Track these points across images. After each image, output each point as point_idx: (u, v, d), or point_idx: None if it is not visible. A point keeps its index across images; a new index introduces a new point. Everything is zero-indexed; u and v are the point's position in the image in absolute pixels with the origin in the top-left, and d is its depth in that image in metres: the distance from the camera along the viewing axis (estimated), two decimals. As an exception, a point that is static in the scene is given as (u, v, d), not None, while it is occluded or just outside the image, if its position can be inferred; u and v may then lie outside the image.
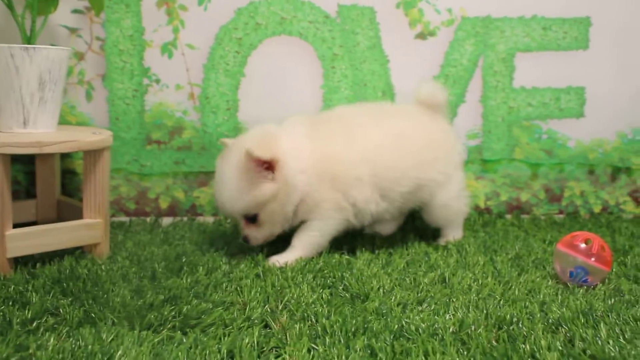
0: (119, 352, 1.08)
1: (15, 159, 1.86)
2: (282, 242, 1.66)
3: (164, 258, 1.58)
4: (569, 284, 1.46)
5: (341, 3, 1.98)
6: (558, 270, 1.50)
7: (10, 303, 1.28)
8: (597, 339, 1.15)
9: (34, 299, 1.29)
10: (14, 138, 1.46)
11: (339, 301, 1.33)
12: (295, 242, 1.64)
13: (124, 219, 1.97)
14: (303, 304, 1.30)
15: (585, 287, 1.44)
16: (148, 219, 1.96)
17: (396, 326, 1.19)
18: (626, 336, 1.17)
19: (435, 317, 1.24)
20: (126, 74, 1.93)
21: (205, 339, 1.14)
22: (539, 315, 1.26)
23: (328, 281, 1.45)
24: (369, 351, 1.11)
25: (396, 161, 1.66)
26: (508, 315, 1.24)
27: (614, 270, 1.56)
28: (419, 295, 1.37)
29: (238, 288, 1.40)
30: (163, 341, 1.14)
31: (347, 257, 1.63)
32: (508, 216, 2.12)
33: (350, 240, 1.76)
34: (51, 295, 1.32)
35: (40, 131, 1.58)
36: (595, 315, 1.26)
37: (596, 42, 2.09)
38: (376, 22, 2.00)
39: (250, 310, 1.27)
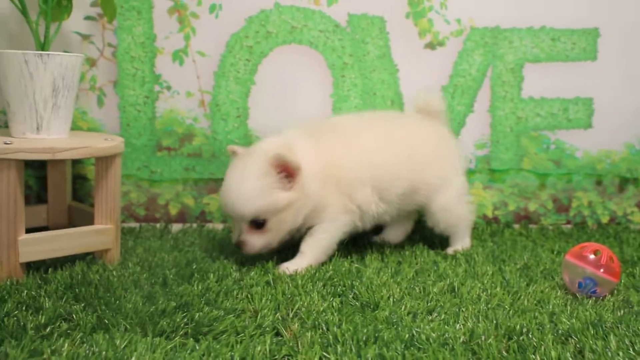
0: (133, 359, 1.09)
1: (27, 164, 1.87)
2: (292, 247, 1.67)
3: (174, 264, 1.58)
4: (577, 294, 1.47)
5: (351, 12, 1.99)
6: (567, 281, 1.51)
7: (24, 308, 1.28)
8: (607, 350, 1.16)
9: (47, 304, 1.29)
10: (27, 144, 1.47)
11: (349, 310, 1.34)
12: (304, 247, 1.65)
13: (134, 224, 1.98)
14: (314, 312, 1.31)
15: (594, 298, 1.44)
16: (158, 225, 1.97)
17: (407, 335, 1.20)
18: (636, 348, 1.18)
19: (446, 326, 1.25)
20: (137, 80, 1.94)
21: (217, 346, 1.15)
22: (548, 326, 1.26)
23: (338, 289, 1.46)
24: (380, 360, 1.12)
25: (390, 164, 1.69)
26: (518, 326, 1.25)
27: (622, 281, 1.57)
28: (428, 304, 1.38)
29: (249, 295, 1.40)
30: (176, 348, 1.15)
31: (356, 265, 1.64)
32: (516, 226, 2.13)
33: (360, 248, 1.77)
34: (64, 300, 1.33)
35: (52, 137, 1.59)
36: (605, 326, 1.26)
37: (605, 53, 2.10)
38: (386, 31, 2.02)
39: (261, 318, 1.27)
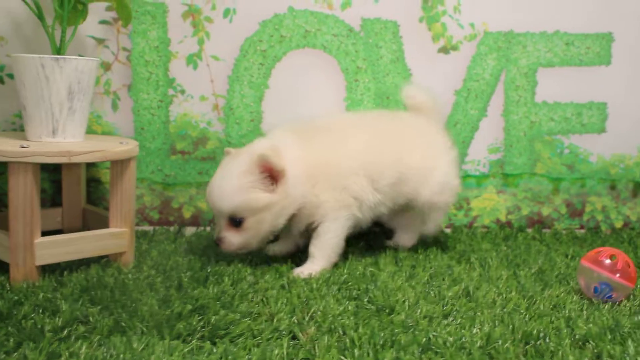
0: (151, 361, 1.09)
1: (42, 167, 1.87)
2: (305, 250, 1.67)
3: (189, 268, 1.59)
4: (593, 299, 1.47)
5: (365, 17, 1.99)
6: (582, 286, 1.51)
7: (40, 311, 1.29)
8: (626, 355, 1.16)
9: (63, 307, 1.30)
10: (43, 147, 1.48)
11: (365, 313, 1.33)
12: (312, 250, 1.65)
13: (147, 228, 1.98)
14: (330, 315, 1.31)
15: (610, 303, 1.44)
16: (171, 229, 1.97)
17: (424, 339, 1.19)
18: (654, 353, 1.18)
19: (462, 330, 1.25)
20: (152, 84, 1.94)
21: (234, 349, 1.15)
22: (565, 331, 1.26)
23: (353, 293, 1.46)
24: (398, 364, 1.12)
25: (378, 153, 1.69)
26: (535, 331, 1.24)
27: (638, 286, 1.56)
28: (444, 308, 1.38)
29: (264, 299, 1.41)
30: (193, 351, 1.15)
31: (371, 269, 1.63)
32: (529, 230, 2.13)
33: (373, 252, 1.77)
34: (80, 303, 1.33)
35: (68, 140, 1.60)
36: (622, 331, 1.26)
37: (618, 57, 2.10)
38: (399, 35, 2.02)
39: (277, 321, 1.27)
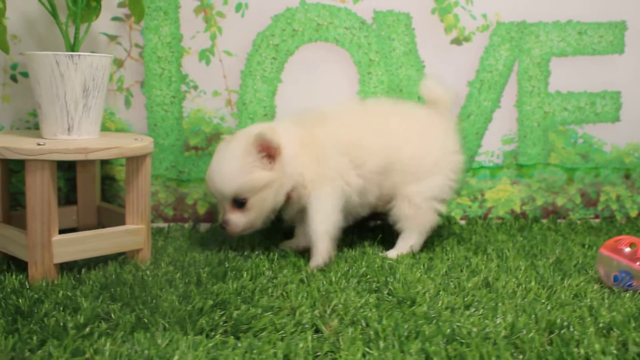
0: (176, 357, 1.09)
1: (57, 165, 1.87)
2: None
3: (206, 264, 1.58)
4: (614, 288, 1.46)
5: (377, 9, 1.99)
6: (602, 275, 1.50)
7: (61, 308, 1.29)
8: (652, 343, 1.15)
9: (84, 304, 1.29)
10: (60, 145, 1.48)
11: (386, 305, 1.33)
12: (313, 238, 1.64)
13: (162, 224, 1.98)
14: (351, 308, 1.30)
15: (631, 292, 1.43)
16: (186, 225, 1.97)
17: (448, 330, 1.19)
18: (679, 340, 1.17)
19: (486, 321, 1.24)
20: (164, 80, 1.94)
21: (259, 343, 1.15)
22: (589, 319, 1.25)
23: (373, 286, 1.45)
24: (423, 355, 1.11)
25: (366, 139, 1.70)
26: (558, 320, 1.24)
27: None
28: (465, 299, 1.37)
29: (284, 293, 1.40)
30: (217, 346, 1.15)
31: (389, 261, 1.63)
32: (544, 221, 2.12)
33: (390, 245, 1.76)
34: (100, 300, 1.33)
35: (83, 138, 1.60)
36: (646, 319, 1.26)
37: (632, 46, 2.09)
38: (412, 27, 2.01)
39: (299, 315, 1.27)
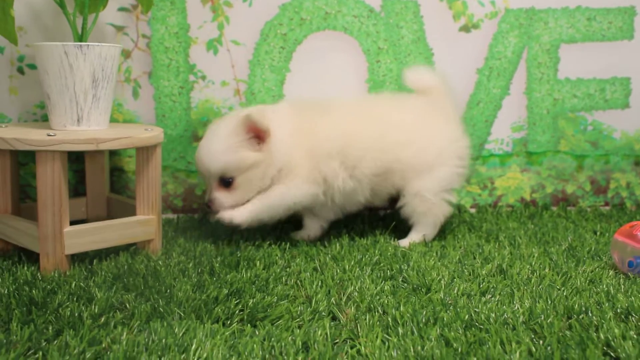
0: (194, 346, 1.08)
1: (66, 156, 1.87)
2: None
3: (218, 253, 1.58)
4: (629, 274, 1.45)
5: (385, -3, 1.98)
6: (616, 260, 1.49)
7: (75, 299, 1.28)
8: (672, 326, 1.15)
9: (98, 295, 1.29)
10: (70, 135, 1.47)
11: (402, 292, 1.33)
12: (253, 199, 1.64)
13: (171, 216, 1.97)
14: (367, 295, 1.30)
15: (647, 277, 1.43)
16: (196, 216, 1.96)
17: (466, 316, 1.19)
18: (699, 324, 1.16)
19: (503, 307, 1.24)
20: (172, 71, 1.93)
21: (277, 331, 1.14)
22: (606, 305, 1.25)
23: (387, 273, 1.45)
24: (443, 341, 1.10)
25: (359, 142, 1.67)
26: (576, 305, 1.23)
27: (673, 259, 1.55)
28: (480, 286, 1.37)
29: (298, 282, 1.40)
30: (234, 334, 1.14)
31: (401, 249, 1.62)
32: (554, 208, 2.11)
33: (402, 234, 1.75)
34: (114, 290, 1.32)
35: (93, 128, 1.59)
36: (664, 303, 1.25)
37: (641, 32, 2.09)
38: (420, 15, 2.00)
39: (315, 303, 1.27)
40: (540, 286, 1.37)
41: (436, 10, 2.01)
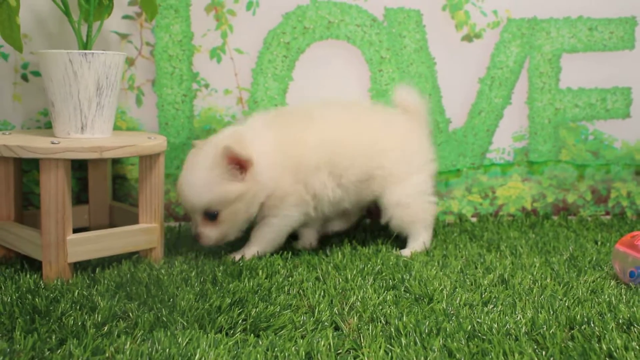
0: (197, 355, 1.08)
1: (69, 164, 1.87)
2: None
3: (221, 262, 1.58)
4: (630, 284, 1.46)
5: (388, 6, 1.98)
6: (617, 270, 1.50)
7: (78, 307, 1.28)
8: (674, 338, 1.15)
9: (101, 303, 1.29)
10: (74, 143, 1.47)
11: (405, 302, 1.33)
12: (252, 238, 1.67)
13: (173, 224, 1.97)
14: (370, 305, 1.30)
15: (648, 287, 1.43)
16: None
17: (469, 327, 1.19)
18: (701, 335, 1.17)
19: (505, 317, 1.24)
20: (175, 79, 1.94)
21: (280, 341, 1.15)
22: (608, 315, 1.25)
23: (389, 283, 1.45)
24: (446, 352, 1.11)
25: (346, 149, 1.67)
26: (578, 316, 1.24)
27: (674, 270, 1.55)
28: (482, 296, 1.37)
29: (301, 291, 1.40)
30: (238, 344, 1.14)
31: (403, 259, 1.63)
32: (555, 218, 2.11)
33: (403, 243, 1.76)
34: (117, 299, 1.33)
35: (96, 136, 1.59)
36: (666, 314, 1.25)
37: (642, 42, 2.09)
38: (423, 24, 2.01)
39: (318, 313, 1.27)
40: (542, 296, 1.37)
41: (439, 20, 2.01)
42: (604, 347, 1.11)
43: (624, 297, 1.37)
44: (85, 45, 1.63)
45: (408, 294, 1.39)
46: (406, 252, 1.71)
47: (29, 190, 1.88)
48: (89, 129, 1.58)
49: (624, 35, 2.08)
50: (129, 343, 1.13)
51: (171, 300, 1.32)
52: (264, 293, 1.37)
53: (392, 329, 1.19)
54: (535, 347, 1.13)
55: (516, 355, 1.09)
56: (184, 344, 1.13)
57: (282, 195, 1.62)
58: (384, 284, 1.44)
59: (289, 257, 1.65)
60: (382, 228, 1.92)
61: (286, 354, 1.09)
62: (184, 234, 1.86)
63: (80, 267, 1.53)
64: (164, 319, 1.23)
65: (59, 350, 1.11)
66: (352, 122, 1.73)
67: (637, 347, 1.12)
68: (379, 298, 1.35)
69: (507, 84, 2.06)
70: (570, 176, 2.12)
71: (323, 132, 1.67)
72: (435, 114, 2.04)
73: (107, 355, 1.10)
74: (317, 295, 1.36)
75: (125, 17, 1.89)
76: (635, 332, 1.19)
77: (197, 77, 1.94)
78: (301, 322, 1.23)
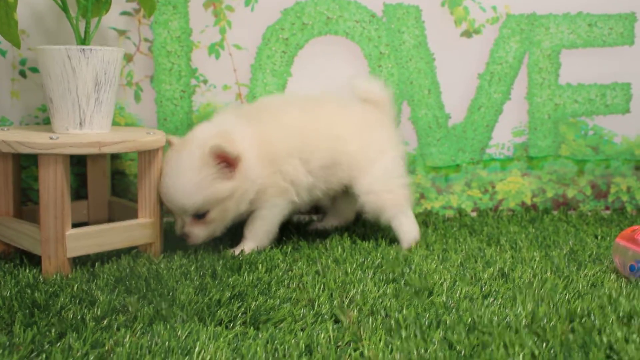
0: (197, 348, 1.08)
1: (68, 160, 1.87)
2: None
3: (220, 257, 1.58)
4: (630, 278, 1.45)
5: (387, 2, 1.98)
6: (618, 264, 1.50)
7: (77, 301, 1.28)
8: (674, 330, 1.15)
9: (100, 297, 1.29)
10: (73, 138, 1.47)
11: (405, 295, 1.33)
12: (246, 233, 1.67)
13: (172, 219, 1.96)
14: (370, 298, 1.30)
15: (649, 281, 1.43)
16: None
17: (469, 319, 1.19)
18: (702, 327, 1.16)
19: (505, 310, 1.24)
20: (174, 75, 1.93)
21: (280, 334, 1.14)
22: (608, 308, 1.25)
23: (389, 276, 1.45)
24: (446, 344, 1.10)
25: (311, 135, 1.68)
26: (578, 309, 1.23)
27: (674, 263, 1.55)
28: (482, 289, 1.37)
29: (300, 285, 1.40)
30: (238, 337, 1.14)
31: (403, 252, 1.63)
32: (554, 212, 2.11)
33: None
34: (116, 293, 1.32)
35: (95, 132, 1.59)
36: (667, 307, 1.25)
37: (641, 37, 2.09)
38: (422, 20, 2.00)
39: (318, 306, 1.27)
40: (542, 290, 1.37)
41: (438, 16, 2.01)
42: (604, 339, 1.11)
43: (624, 290, 1.37)
44: (83, 42, 1.63)
45: (408, 287, 1.38)
46: (405, 245, 1.71)
47: (27, 186, 1.88)
48: (88, 124, 1.58)
49: (624, 31, 2.08)
50: (128, 336, 1.13)
51: (171, 294, 1.32)
52: (263, 287, 1.37)
53: (392, 322, 1.19)
54: (536, 339, 1.13)
55: (516, 347, 1.09)
56: (183, 337, 1.13)
57: (265, 187, 1.63)
58: (384, 278, 1.44)
59: (289, 251, 1.65)
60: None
61: (286, 347, 1.09)
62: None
63: (79, 261, 1.53)
64: (164, 312, 1.23)
65: (58, 344, 1.11)
66: (314, 110, 1.74)
67: (637, 339, 1.11)
68: (379, 291, 1.34)
69: (506, 79, 2.06)
70: (570, 171, 2.12)
71: (292, 121, 1.68)
72: (434, 110, 2.04)
73: (106, 348, 1.10)
74: (317, 289, 1.36)
75: (124, 13, 1.89)
76: (635, 325, 1.18)
77: (196, 73, 1.94)
78: (301, 315, 1.23)
